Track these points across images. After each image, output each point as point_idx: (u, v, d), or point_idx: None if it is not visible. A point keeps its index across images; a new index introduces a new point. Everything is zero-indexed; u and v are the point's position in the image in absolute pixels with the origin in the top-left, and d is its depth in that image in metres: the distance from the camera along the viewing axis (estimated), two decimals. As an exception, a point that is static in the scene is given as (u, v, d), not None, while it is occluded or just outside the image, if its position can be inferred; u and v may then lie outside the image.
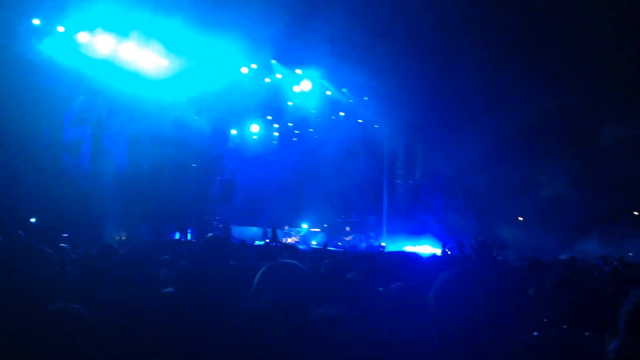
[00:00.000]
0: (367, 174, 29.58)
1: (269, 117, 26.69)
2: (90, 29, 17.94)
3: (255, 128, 25.81)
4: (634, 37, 20.66)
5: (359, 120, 28.41)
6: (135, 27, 18.43)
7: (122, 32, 18.32)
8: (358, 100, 27.45)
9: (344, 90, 26.76)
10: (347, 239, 26.58)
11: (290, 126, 28.09)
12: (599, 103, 24.89)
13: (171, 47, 19.46)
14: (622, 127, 23.92)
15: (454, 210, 28.44)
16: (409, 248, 23.16)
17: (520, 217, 29.16)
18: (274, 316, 2.42)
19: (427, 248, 24.14)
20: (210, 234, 3.86)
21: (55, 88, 16.73)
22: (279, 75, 24.38)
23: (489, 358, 1.92)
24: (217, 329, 2.51)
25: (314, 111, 27.28)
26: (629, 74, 21.94)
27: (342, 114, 28.14)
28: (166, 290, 3.96)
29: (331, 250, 15.73)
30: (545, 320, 3.28)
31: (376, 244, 25.92)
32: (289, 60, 23.75)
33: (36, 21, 16.98)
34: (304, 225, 27.20)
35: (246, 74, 22.38)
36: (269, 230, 22.58)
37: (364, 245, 25.92)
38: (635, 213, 27.93)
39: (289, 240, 23.22)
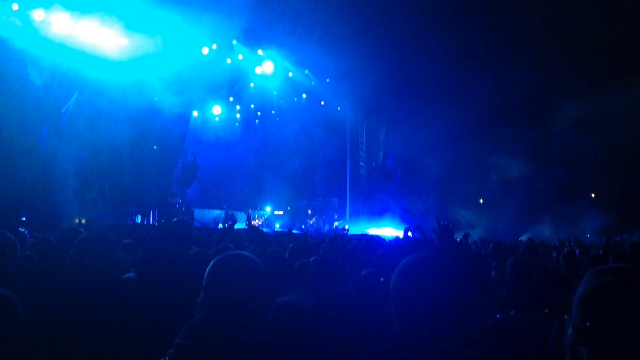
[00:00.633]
0: (329, 156, 29.68)
1: (231, 99, 26.40)
2: (46, 6, 17.37)
3: (217, 110, 25.50)
4: (588, 18, 21.06)
5: (322, 102, 28.36)
6: (94, 4, 17.92)
7: (80, 9, 17.79)
8: (321, 82, 27.36)
9: (307, 71, 26.63)
10: (310, 222, 26.66)
11: (252, 108, 27.87)
12: (551, 83, 25.38)
13: (131, 26, 18.96)
14: (575, 106, 24.41)
15: (415, 193, 28.75)
16: (372, 230, 23.38)
17: (481, 199, 29.67)
18: (226, 317, 2.26)
19: (389, 230, 24.40)
20: (175, 219, 3.78)
21: (11, 68, 16.20)
22: (240, 56, 24.07)
23: (452, 341, 1.93)
24: (177, 317, 2.44)
25: (275, 93, 27.12)
26: (581, 54, 22.38)
27: (304, 95, 28.03)
28: (127, 275, 3.90)
29: (295, 233, 15.73)
30: (506, 302, 3.33)
31: (340, 226, 26.05)
32: (251, 40, 23.44)
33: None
34: (267, 209, 27.16)
35: (207, 55, 22.02)
36: (231, 213, 22.48)
37: (327, 227, 26.03)
38: (592, 195, 28.68)
39: (253, 223, 23.17)
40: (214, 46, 22.20)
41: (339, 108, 29.07)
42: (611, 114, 23.60)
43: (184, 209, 20.49)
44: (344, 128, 30.46)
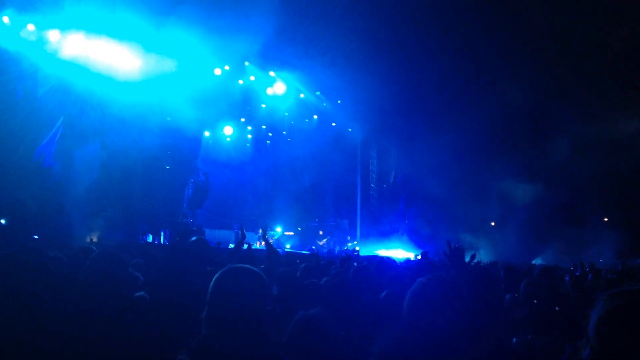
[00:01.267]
0: (340, 177, 29.68)
1: (242, 120, 26.57)
2: (61, 27, 17.67)
3: (228, 130, 25.65)
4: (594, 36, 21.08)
5: (333, 124, 28.47)
6: (108, 26, 18.19)
7: (94, 30, 18.07)
8: (332, 104, 27.50)
9: (318, 93, 26.80)
10: (321, 243, 26.59)
11: (264, 129, 28.01)
12: (562, 103, 25.29)
13: (144, 47, 19.25)
14: (585, 127, 24.30)
15: (423, 215, 28.64)
16: (382, 252, 23.29)
17: (492, 222, 29.46)
18: (229, 332, 2.22)
19: (399, 252, 24.28)
20: (194, 238, 3.79)
21: (25, 87, 16.42)
22: (252, 78, 24.28)
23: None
24: (188, 334, 2.42)
25: (287, 113, 27.26)
26: (591, 73, 22.31)
27: (315, 117, 28.18)
28: (138, 294, 3.90)
29: (306, 254, 15.72)
30: (521, 325, 3.30)
31: (350, 247, 25.97)
32: (263, 62, 23.67)
33: (5, 19, 16.66)
34: (278, 229, 27.13)
35: (219, 76, 22.24)
36: (241, 232, 22.41)
37: (337, 249, 25.95)
38: (605, 219, 28.40)
39: (262, 243, 23.13)
40: (227, 67, 22.43)
41: (350, 129, 29.16)
42: (623, 135, 23.50)
43: (195, 228, 20.50)
44: (355, 149, 30.53)
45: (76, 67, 17.70)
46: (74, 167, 17.91)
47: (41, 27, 17.33)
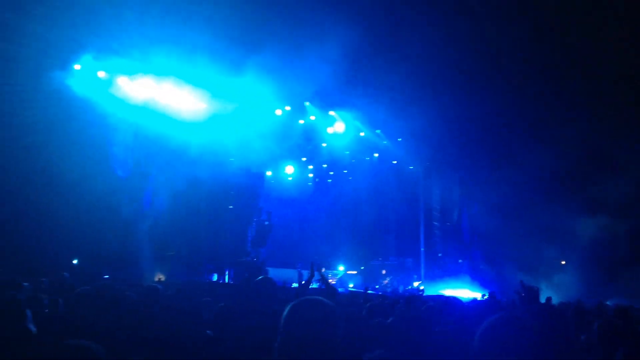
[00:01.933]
0: (403, 216, 29.39)
1: (304, 159, 26.89)
2: (129, 73, 18.54)
3: (290, 169, 25.99)
4: None
5: (394, 162, 28.40)
6: (173, 70, 18.97)
7: (160, 75, 18.88)
8: (392, 141, 27.50)
9: (378, 131, 26.87)
10: (385, 282, 26.27)
11: (325, 167, 28.22)
12: (634, 138, 24.35)
13: (208, 90, 19.94)
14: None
15: (490, 254, 27.92)
16: (447, 292, 22.79)
17: (563, 260, 28.34)
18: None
19: (465, 292, 23.68)
20: (261, 276, 3.86)
21: (95, 134, 17.17)
22: (312, 117, 24.64)
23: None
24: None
25: (347, 152, 27.39)
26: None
27: (376, 155, 28.20)
28: (209, 332, 3.98)
29: (370, 293, 15.55)
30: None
31: (415, 287, 25.55)
32: (323, 102, 24.04)
33: (77, 67, 17.60)
34: (341, 268, 27.00)
35: (280, 116, 22.69)
36: (304, 272, 22.43)
37: (401, 288, 25.56)
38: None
39: (330, 281, 23.06)
40: (287, 108, 22.88)
41: (411, 167, 28.99)
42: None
43: (259, 266, 20.69)
44: (417, 187, 30.24)
45: (143, 111, 18.47)
46: (142, 207, 18.54)
47: (112, 72, 18.24)
